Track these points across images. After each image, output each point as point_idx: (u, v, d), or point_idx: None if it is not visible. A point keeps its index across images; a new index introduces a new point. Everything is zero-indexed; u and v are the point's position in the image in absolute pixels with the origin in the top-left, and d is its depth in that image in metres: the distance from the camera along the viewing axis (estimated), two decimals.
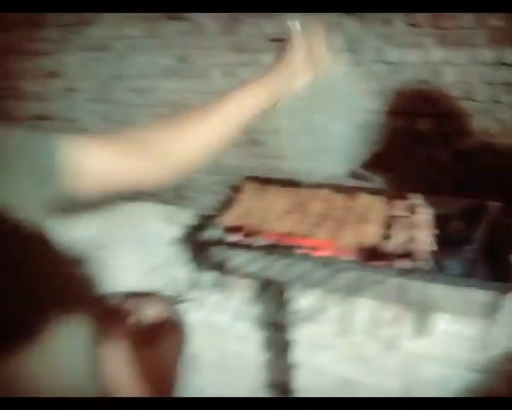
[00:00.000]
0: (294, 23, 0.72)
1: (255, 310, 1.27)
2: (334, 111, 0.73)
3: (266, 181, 1.10)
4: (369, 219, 0.90)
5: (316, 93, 0.72)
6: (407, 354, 1.02)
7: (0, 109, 2.71)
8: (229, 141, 0.71)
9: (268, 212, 0.96)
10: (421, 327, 0.95)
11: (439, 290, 0.83)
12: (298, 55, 0.69)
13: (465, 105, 1.73)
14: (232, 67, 2.27)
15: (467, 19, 1.61)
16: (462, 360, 1.00)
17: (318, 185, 1.06)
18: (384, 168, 1.99)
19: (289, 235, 0.92)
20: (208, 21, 2.19)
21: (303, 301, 0.94)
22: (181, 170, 0.68)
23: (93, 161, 0.57)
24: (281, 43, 0.74)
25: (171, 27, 2.24)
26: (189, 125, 0.66)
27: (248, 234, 0.93)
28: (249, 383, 1.41)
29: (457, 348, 0.99)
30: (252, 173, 1.24)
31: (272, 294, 0.98)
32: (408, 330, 0.97)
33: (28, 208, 0.49)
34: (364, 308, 0.89)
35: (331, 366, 1.06)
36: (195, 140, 0.66)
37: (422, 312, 0.87)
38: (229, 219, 0.94)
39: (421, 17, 1.70)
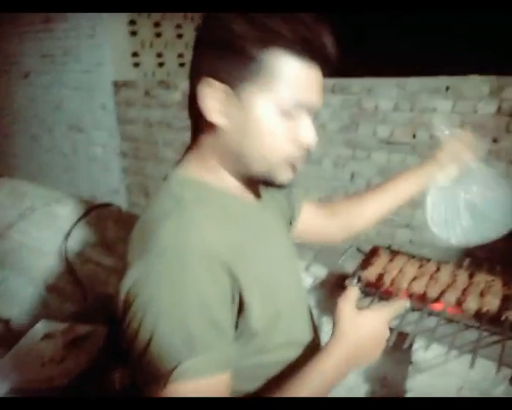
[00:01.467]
0: (442, 129, 0.93)
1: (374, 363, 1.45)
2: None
3: (395, 251, 1.37)
4: (489, 292, 1.11)
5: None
6: None
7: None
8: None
9: (401, 275, 1.21)
10: None
11: None
12: (446, 154, 0.91)
13: None
14: (344, 160, 2.62)
15: None
16: None
17: (440, 262, 1.30)
18: None
19: (420, 296, 1.15)
20: (329, 121, 2.60)
21: (424, 354, 1.13)
22: (352, 234, 0.99)
23: (305, 218, 0.91)
24: (434, 142, 0.95)
25: None
26: (368, 203, 0.95)
27: (385, 290, 1.18)
28: None
29: None
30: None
31: (393, 345, 1.18)
32: None
33: None
34: (479, 367, 1.06)
35: None
36: (371, 214, 0.96)
37: None
38: (370, 275, 1.21)
39: None
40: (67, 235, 2.15)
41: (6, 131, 4.16)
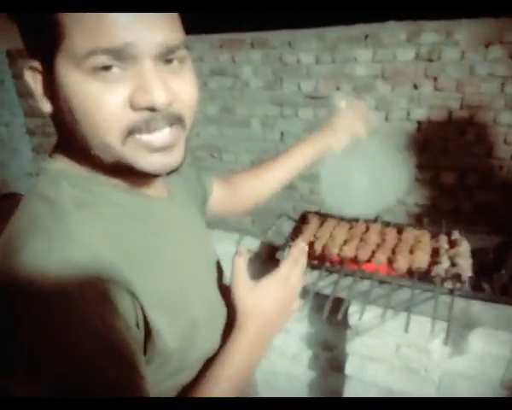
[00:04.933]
0: (339, 100, 0.95)
1: (306, 329, 1.43)
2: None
3: (325, 215, 1.32)
4: (418, 248, 1.09)
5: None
6: (445, 370, 1.18)
7: None
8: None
9: (331, 239, 1.16)
10: (460, 345, 1.11)
11: (478, 307, 1.01)
12: (341, 125, 0.92)
13: (486, 161, 1.95)
14: (271, 119, 2.53)
15: (487, 85, 1.86)
16: (494, 378, 1.16)
17: (368, 221, 1.27)
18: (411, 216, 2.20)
19: (351, 259, 1.11)
20: (252, 78, 2.47)
21: (360, 317, 1.11)
22: (254, 206, 0.94)
23: (215, 194, 0.83)
24: (330, 115, 0.96)
25: (217, 82, 2.52)
26: (267, 175, 0.91)
27: (317, 257, 1.13)
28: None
29: (491, 367, 1.15)
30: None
31: (329, 311, 1.15)
32: (448, 348, 1.14)
33: None
34: (414, 324, 1.05)
35: (380, 377, 1.22)
36: (269, 185, 0.92)
37: (464, 327, 1.04)
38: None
39: (446, 83, 1.95)
40: None
41: None
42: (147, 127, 0.47)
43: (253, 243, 1.39)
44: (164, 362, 0.51)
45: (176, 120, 0.49)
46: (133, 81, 0.45)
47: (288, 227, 1.41)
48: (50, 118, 0.52)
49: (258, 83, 2.46)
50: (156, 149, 0.48)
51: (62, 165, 0.52)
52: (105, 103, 0.45)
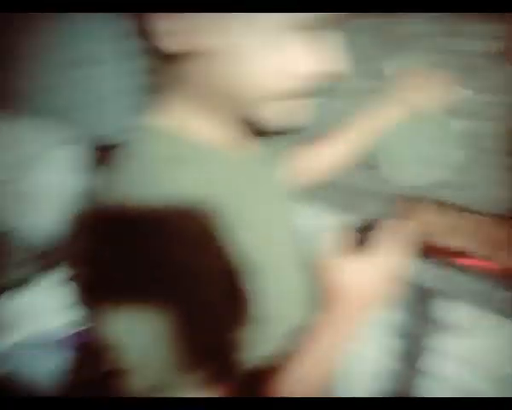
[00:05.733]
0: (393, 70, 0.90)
1: (391, 317, 1.39)
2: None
3: (427, 201, 1.25)
4: None
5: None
6: None
7: None
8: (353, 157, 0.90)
9: (433, 228, 1.11)
10: None
11: None
12: (400, 96, 0.84)
13: None
14: None
15: None
16: None
17: (477, 213, 1.18)
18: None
19: (453, 251, 1.05)
20: None
21: (451, 312, 1.05)
22: (318, 179, 0.91)
23: None
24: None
25: None
26: (331, 144, 0.88)
27: (415, 245, 1.08)
28: (373, 388, 1.51)
29: None
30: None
31: (419, 302, 1.10)
32: None
33: None
34: (508, 328, 0.98)
35: (464, 381, 1.15)
36: (334, 155, 0.89)
37: None
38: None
39: None
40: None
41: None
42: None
43: (344, 221, 1.36)
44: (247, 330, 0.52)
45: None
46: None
47: (376, 208, 1.37)
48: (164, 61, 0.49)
49: None
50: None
51: (155, 118, 0.53)
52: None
